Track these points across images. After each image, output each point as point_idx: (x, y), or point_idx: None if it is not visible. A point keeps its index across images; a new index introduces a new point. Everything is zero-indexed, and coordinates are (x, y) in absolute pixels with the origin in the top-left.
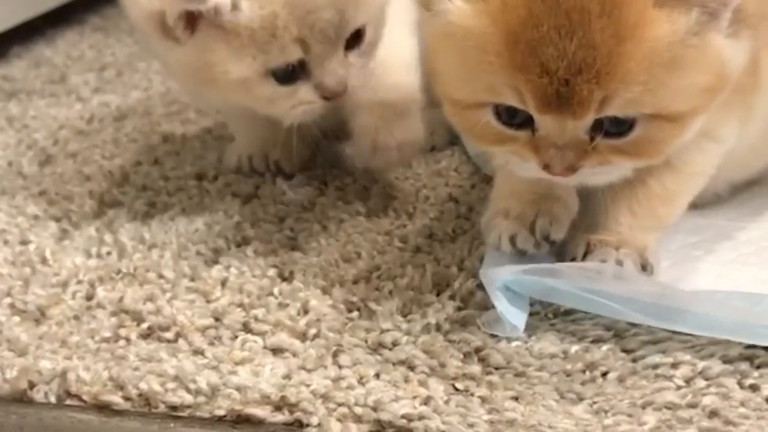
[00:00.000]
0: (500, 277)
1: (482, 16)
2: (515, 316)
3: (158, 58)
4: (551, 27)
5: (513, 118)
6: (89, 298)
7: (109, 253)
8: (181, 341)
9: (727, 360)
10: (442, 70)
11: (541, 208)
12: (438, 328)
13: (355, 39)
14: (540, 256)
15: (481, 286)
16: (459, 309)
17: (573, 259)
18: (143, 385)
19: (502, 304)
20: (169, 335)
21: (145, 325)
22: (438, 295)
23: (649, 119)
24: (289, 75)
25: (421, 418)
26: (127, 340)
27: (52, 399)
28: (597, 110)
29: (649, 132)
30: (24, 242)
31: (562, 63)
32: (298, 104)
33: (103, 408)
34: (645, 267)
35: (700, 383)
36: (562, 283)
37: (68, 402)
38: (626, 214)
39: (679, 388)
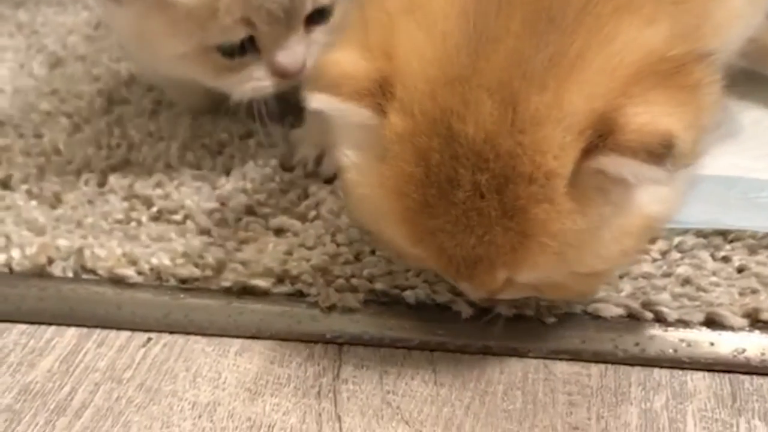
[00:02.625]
0: None
1: (377, 187)
2: None
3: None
4: (448, 221)
5: None
6: (101, 184)
7: (118, 145)
8: (188, 222)
9: (701, 235)
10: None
11: None
12: None
13: (320, 14)
14: None
15: None
16: None
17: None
18: (155, 260)
19: None
20: (177, 217)
21: (154, 209)
22: None
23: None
24: (237, 50)
25: (413, 287)
26: (138, 222)
27: (70, 274)
28: (503, 284)
29: (568, 281)
30: (37, 135)
31: (461, 253)
32: (248, 81)
33: (118, 281)
34: None
35: (675, 255)
36: None
37: (84, 276)
38: None
39: (654, 260)
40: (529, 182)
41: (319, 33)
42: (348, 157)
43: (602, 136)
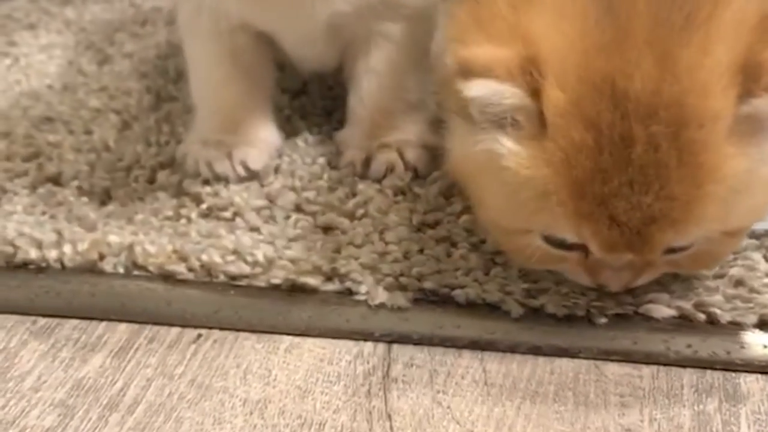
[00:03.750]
0: None
1: (541, 166)
2: None
3: None
4: (623, 182)
5: (564, 241)
6: (151, 181)
7: (167, 143)
8: (238, 220)
9: (753, 236)
10: (483, 196)
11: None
12: None
13: None
14: None
15: None
16: None
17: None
18: (205, 257)
19: None
20: (227, 214)
21: (204, 206)
22: None
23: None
24: None
25: (462, 287)
26: (188, 218)
27: (121, 270)
28: (666, 247)
29: (710, 246)
30: (87, 132)
31: (635, 215)
32: None
33: (168, 277)
34: None
35: (728, 257)
36: None
37: (136, 272)
38: None
39: None
40: (698, 126)
41: None
42: (503, 144)
43: (752, 80)
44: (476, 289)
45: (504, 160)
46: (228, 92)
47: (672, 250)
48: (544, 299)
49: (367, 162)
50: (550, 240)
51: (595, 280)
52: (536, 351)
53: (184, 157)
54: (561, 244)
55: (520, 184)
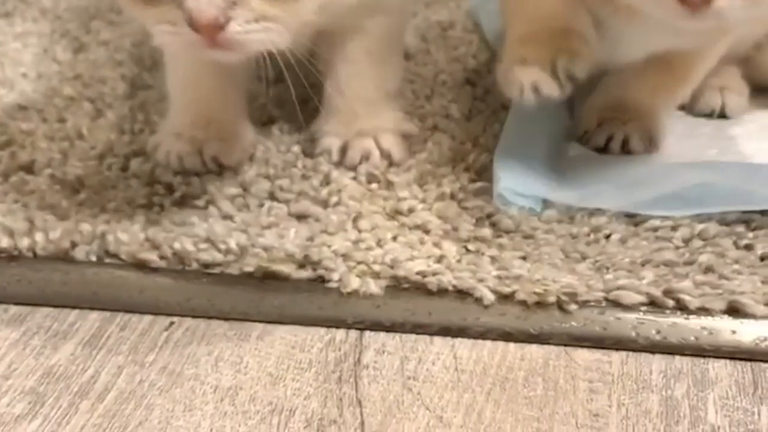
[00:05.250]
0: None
1: None
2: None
3: None
4: None
5: None
6: (124, 169)
7: (141, 131)
8: (211, 208)
9: (724, 223)
10: None
11: (560, 46)
12: (452, 196)
13: None
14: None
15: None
16: (473, 181)
17: (585, 132)
18: (177, 245)
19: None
20: (200, 203)
21: (177, 194)
22: (453, 168)
23: None
24: None
25: (434, 274)
26: (161, 207)
27: (93, 258)
28: None
29: None
30: (61, 120)
31: None
32: (161, 22)
33: (141, 266)
34: (651, 142)
35: (698, 243)
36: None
37: (108, 260)
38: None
39: (677, 248)
40: None
41: None
42: None
43: None
44: (448, 276)
45: None
46: (201, 88)
47: None
48: (515, 286)
49: (343, 149)
50: None
51: None
52: (507, 337)
53: (155, 148)
54: None
55: None
